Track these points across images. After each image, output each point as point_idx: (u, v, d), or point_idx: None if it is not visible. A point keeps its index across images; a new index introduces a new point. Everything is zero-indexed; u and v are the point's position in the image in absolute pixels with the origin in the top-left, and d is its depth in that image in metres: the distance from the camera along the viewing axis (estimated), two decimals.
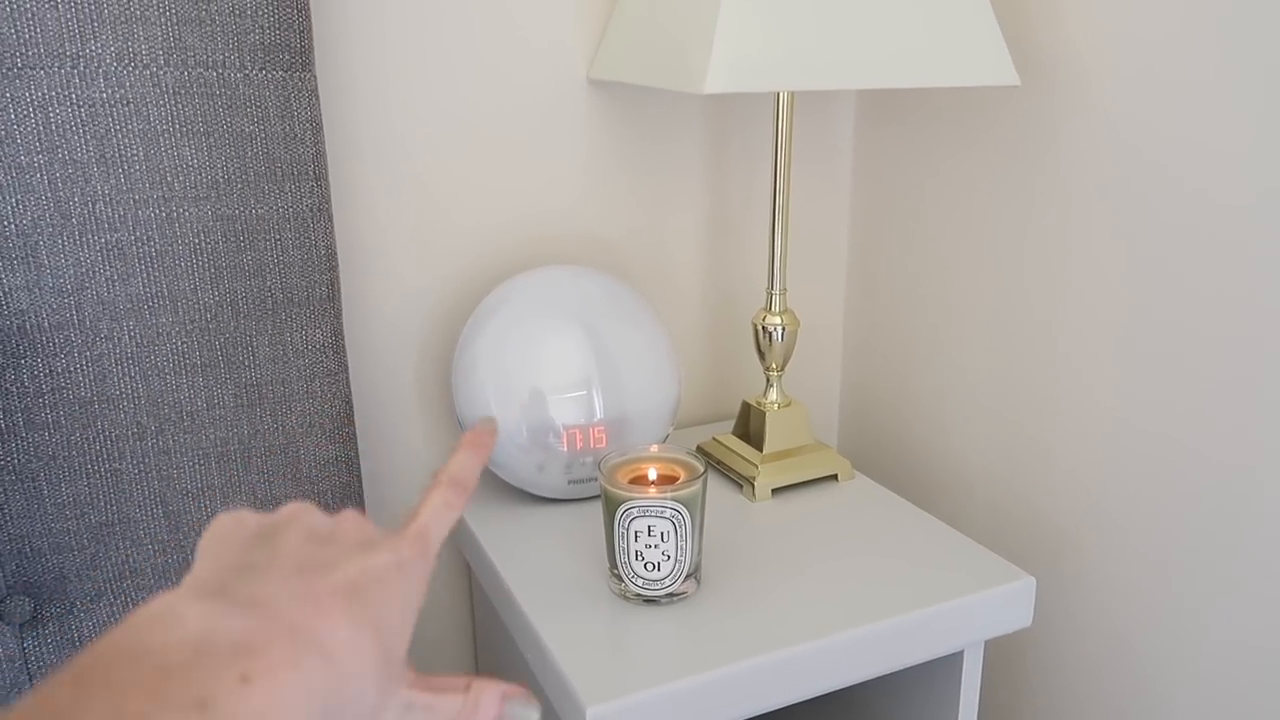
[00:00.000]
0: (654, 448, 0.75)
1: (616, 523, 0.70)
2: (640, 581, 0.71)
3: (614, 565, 0.72)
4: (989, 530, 0.97)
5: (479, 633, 1.00)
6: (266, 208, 0.75)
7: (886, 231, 1.06)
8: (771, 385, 0.92)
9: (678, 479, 0.73)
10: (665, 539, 0.70)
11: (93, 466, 0.75)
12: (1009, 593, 0.74)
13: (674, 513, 0.69)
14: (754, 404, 0.92)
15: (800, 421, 0.92)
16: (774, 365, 0.91)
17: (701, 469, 0.72)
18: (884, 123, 1.04)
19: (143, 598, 0.78)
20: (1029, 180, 0.87)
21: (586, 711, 0.61)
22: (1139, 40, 0.76)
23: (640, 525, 0.69)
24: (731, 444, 0.93)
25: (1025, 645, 0.94)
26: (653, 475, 0.73)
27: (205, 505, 0.79)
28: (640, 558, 0.70)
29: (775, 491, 0.90)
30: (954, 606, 0.72)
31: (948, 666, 0.78)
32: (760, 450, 0.90)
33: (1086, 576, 0.87)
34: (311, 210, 0.77)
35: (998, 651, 0.98)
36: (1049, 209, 0.86)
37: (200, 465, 0.78)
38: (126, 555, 0.77)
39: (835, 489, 0.90)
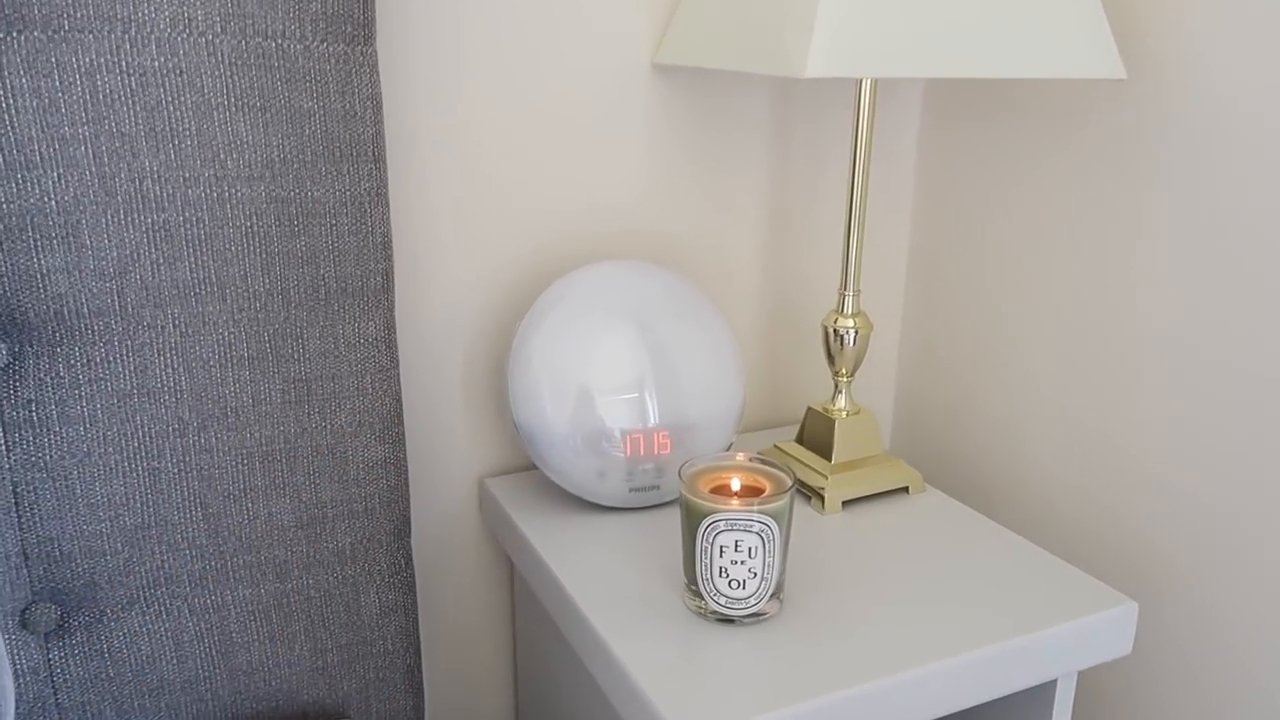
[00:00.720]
0: (740, 456, 0.70)
1: (700, 537, 0.65)
2: (723, 600, 0.66)
3: (693, 581, 0.68)
4: (1066, 549, 0.92)
5: (520, 641, 0.95)
6: (323, 190, 0.70)
7: (952, 230, 1.01)
8: (840, 391, 0.87)
9: (764, 490, 0.68)
10: (753, 555, 0.65)
11: (130, 465, 0.69)
12: (1109, 619, 0.70)
13: (763, 527, 0.64)
14: (821, 411, 0.87)
15: (869, 430, 0.87)
16: (844, 370, 0.86)
17: (789, 481, 0.67)
18: (952, 116, 0.99)
19: (177, 606, 0.73)
20: (1123, 178, 0.83)
21: None
22: (1258, 26, 0.72)
23: (726, 540, 0.65)
24: (796, 452, 0.89)
25: (1114, 671, 0.90)
26: (736, 486, 0.69)
27: (247, 508, 0.73)
28: (724, 574, 0.66)
29: (845, 503, 0.85)
30: (1054, 633, 0.68)
31: (1038, 697, 0.74)
32: (829, 460, 0.86)
33: (1185, 600, 0.82)
34: (369, 194, 0.72)
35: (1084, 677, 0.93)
36: (1148, 206, 0.82)
37: (243, 465, 0.72)
38: (162, 560, 0.72)
39: (907, 502, 0.86)
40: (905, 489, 0.87)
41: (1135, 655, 0.87)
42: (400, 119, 0.82)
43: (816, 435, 0.88)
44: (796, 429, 1.03)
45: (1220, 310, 0.77)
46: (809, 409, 0.89)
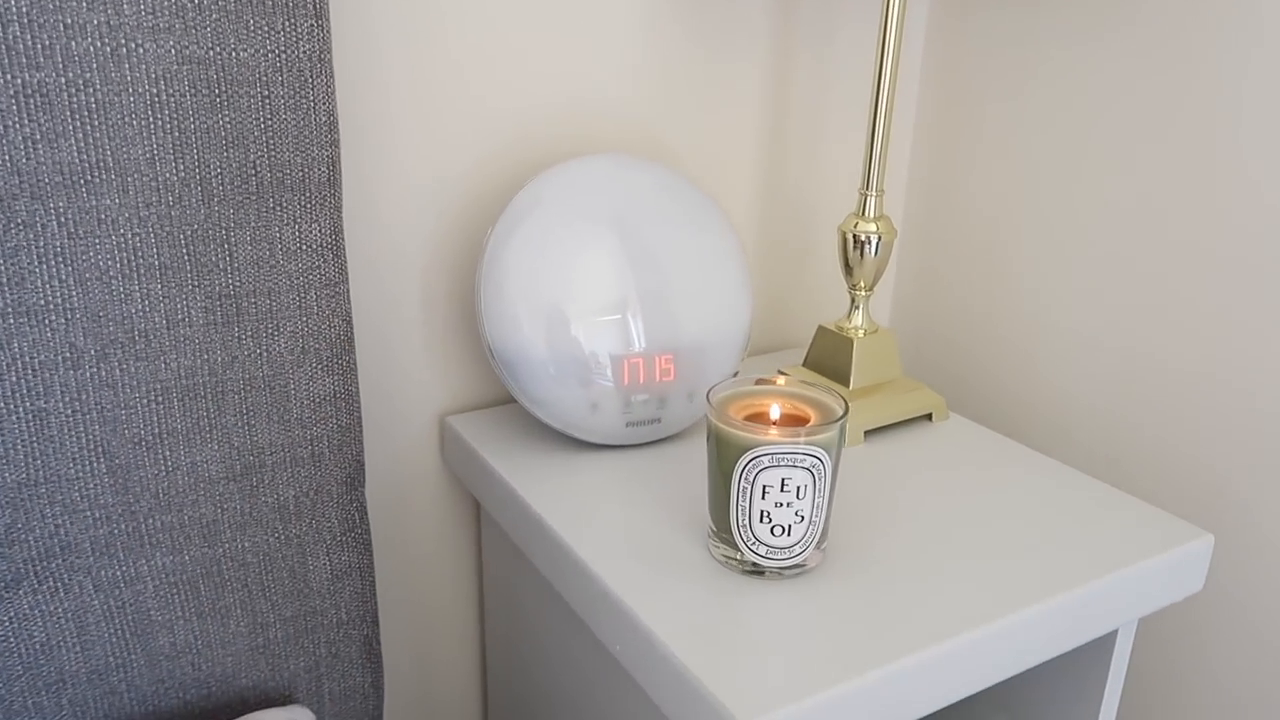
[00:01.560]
0: (780, 380, 0.58)
1: (738, 475, 0.54)
2: (763, 549, 0.56)
3: (724, 528, 0.56)
4: (1101, 478, 0.84)
5: (489, 605, 0.83)
6: (251, 50, 0.55)
7: (960, 131, 0.91)
8: (858, 307, 0.77)
9: (809, 419, 0.57)
10: (801, 495, 0.54)
11: (8, 405, 0.54)
12: (1182, 556, 0.62)
13: (815, 461, 0.54)
14: (835, 330, 0.77)
15: (889, 351, 0.77)
16: (863, 283, 0.76)
17: (840, 407, 0.56)
18: (966, 1, 0.88)
19: (79, 581, 0.58)
20: (1164, 76, 0.73)
21: None
22: None
23: (770, 478, 0.53)
24: (807, 378, 0.78)
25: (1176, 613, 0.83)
26: (775, 414, 0.57)
27: (164, 456, 0.59)
28: (766, 519, 0.55)
29: (866, 434, 0.75)
30: (1129, 575, 0.59)
31: (1095, 648, 0.65)
32: (847, 385, 0.75)
33: (1249, 533, 0.75)
34: (310, 58, 0.57)
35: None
36: (1211, 96, 0.72)
37: (157, 403, 0.58)
38: (57, 525, 0.57)
39: (932, 430, 0.76)
40: (929, 416, 0.78)
41: (1205, 595, 0.79)
42: None
43: (830, 358, 0.77)
44: (800, 353, 0.92)
45: (1264, 216, 0.68)
46: (820, 328, 0.78)
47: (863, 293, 0.76)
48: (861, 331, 0.76)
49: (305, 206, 0.59)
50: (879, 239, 0.74)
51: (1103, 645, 0.65)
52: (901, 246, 0.99)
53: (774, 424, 0.57)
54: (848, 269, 0.76)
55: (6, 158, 0.50)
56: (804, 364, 0.80)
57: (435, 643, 0.86)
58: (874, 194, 0.73)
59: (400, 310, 0.76)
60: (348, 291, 0.63)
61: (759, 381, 0.59)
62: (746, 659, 0.50)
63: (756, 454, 0.53)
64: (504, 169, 0.76)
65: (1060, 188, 0.83)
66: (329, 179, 0.60)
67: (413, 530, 0.81)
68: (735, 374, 0.74)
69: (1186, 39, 0.72)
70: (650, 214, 0.70)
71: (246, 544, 0.63)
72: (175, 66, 0.53)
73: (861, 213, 0.74)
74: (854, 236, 0.74)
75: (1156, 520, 0.64)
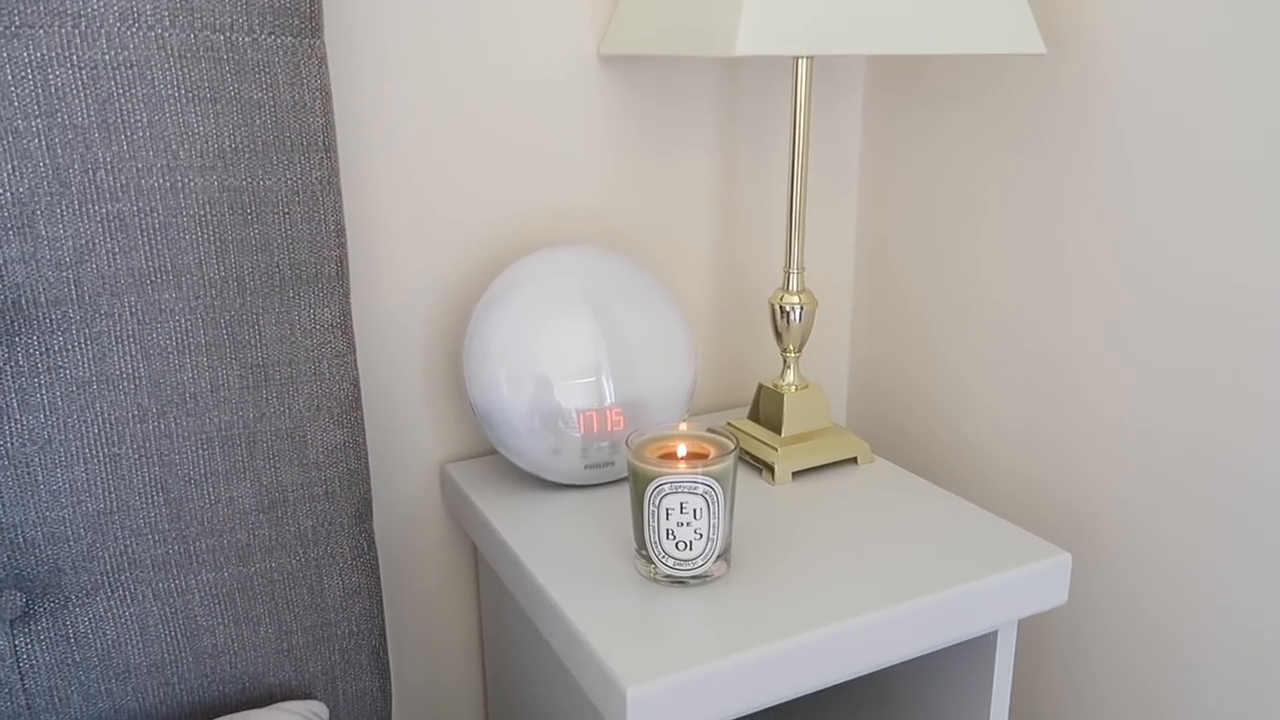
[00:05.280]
0: (682, 425, 0.72)
1: (647, 500, 0.68)
2: (671, 561, 0.69)
3: (642, 546, 0.70)
4: (1009, 513, 0.95)
5: (485, 623, 0.97)
6: (274, 179, 0.72)
7: (895, 207, 1.05)
8: (789, 367, 0.90)
9: (708, 456, 0.70)
10: (698, 516, 0.67)
11: (90, 451, 0.71)
12: (1044, 570, 0.73)
13: (707, 489, 0.67)
14: (771, 386, 0.90)
15: (818, 404, 0.90)
16: (791, 346, 0.89)
17: (732, 445, 0.69)
18: (893, 93, 1.03)
19: (142, 591, 0.74)
20: (1050, 152, 0.86)
21: (626, 693, 0.59)
22: (1157, 9, 0.75)
23: (672, 502, 0.67)
24: (748, 428, 0.91)
25: (1055, 625, 0.93)
26: (682, 452, 0.71)
27: (208, 492, 0.75)
28: (671, 536, 0.68)
29: (795, 475, 0.88)
30: (990, 584, 0.70)
31: (980, 647, 0.76)
32: (779, 434, 0.88)
33: (1114, 557, 0.85)
34: (320, 183, 0.74)
35: (1026, 632, 0.96)
36: (1070, 181, 0.85)
37: (204, 450, 0.74)
38: (125, 545, 0.73)
39: (856, 472, 0.88)
40: (854, 459, 0.90)
41: (1072, 609, 0.89)
42: (352, 109, 0.84)
43: (767, 410, 0.90)
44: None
45: (1144, 282, 0.80)
46: (760, 385, 0.91)
47: (792, 354, 0.89)
48: (793, 387, 0.89)
49: (318, 295, 0.76)
50: (801, 308, 0.87)
51: (985, 646, 0.76)
52: (855, 312, 1.12)
53: (681, 460, 0.70)
54: (777, 334, 0.89)
55: (94, 267, 0.68)
56: (748, 416, 0.93)
57: (441, 655, 1.00)
58: (795, 271, 0.87)
59: (406, 375, 0.92)
60: (355, 360, 0.79)
61: (671, 428, 0.73)
62: (644, 645, 0.63)
63: (660, 483, 0.67)
64: (486, 255, 0.93)
65: (970, 265, 0.96)
66: (337, 273, 0.76)
67: (422, 560, 0.96)
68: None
69: (1074, 118, 0.85)
70: (607, 294, 0.84)
71: (273, 564, 0.79)
72: (218, 194, 0.70)
73: (786, 287, 0.88)
74: (780, 307, 0.88)
75: (1024, 541, 0.75)
